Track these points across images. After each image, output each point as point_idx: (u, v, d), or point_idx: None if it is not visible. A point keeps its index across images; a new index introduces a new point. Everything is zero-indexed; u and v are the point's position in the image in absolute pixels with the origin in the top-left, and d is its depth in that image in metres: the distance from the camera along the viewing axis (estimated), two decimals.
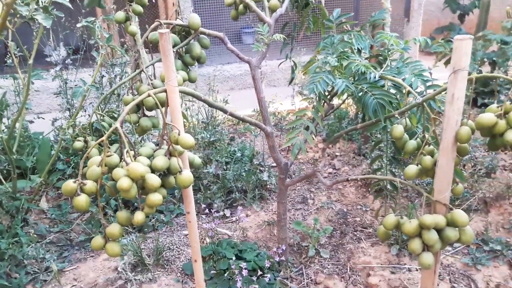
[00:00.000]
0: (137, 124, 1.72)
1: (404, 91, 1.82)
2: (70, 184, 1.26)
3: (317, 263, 2.39)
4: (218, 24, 5.60)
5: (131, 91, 1.81)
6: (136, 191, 1.29)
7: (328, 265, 2.37)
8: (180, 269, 2.33)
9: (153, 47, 1.96)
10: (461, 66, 1.43)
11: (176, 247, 2.48)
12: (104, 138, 1.29)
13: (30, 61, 2.27)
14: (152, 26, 1.72)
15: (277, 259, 2.22)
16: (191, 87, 3.67)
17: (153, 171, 1.37)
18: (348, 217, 2.79)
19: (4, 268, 2.09)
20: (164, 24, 1.76)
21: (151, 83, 1.70)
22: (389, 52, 2.13)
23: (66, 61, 3.33)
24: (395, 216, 1.65)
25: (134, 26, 1.69)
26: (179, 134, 1.38)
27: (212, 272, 2.19)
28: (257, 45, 2.02)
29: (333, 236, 2.60)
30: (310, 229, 2.48)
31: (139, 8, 1.68)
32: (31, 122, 3.15)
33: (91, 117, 1.75)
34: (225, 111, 1.81)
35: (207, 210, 2.56)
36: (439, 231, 1.56)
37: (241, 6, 2.18)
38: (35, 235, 2.42)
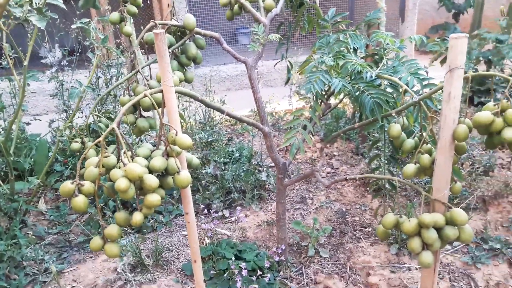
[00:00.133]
0: (134, 125, 1.72)
1: (400, 90, 1.82)
2: (67, 185, 1.26)
3: (317, 262, 2.39)
4: (214, 24, 5.60)
5: (127, 92, 1.81)
6: (134, 192, 1.29)
7: (328, 264, 2.37)
8: (180, 269, 2.33)
9: (148, 48, 1.95)
10: (457, 64, 1.43)
11: (176, 247, 2.48)
12: (101, 139, 1.28)
13: (25, 63, 2.26)
14: (147, 26, 1.72)
15: (276, 259, 2.22)
16: (188, 87, 3.67)
17: (151, 171, 1.37)
18: (347, 216, 2.79)
19: (3, 269, 2.09)
20: (159, 24, 1.76)
21: (147, 84, 1.70)
22: (385, 51, 2.13)
23: (62, 63, 3.33)
24: (394, 215, 1.66)
25: (128, 27, 1.68)
26: (176, 135, 1.38)
27: (211, 272, 2.19)
28: (253, 45, 2.02)
29: (332, 236, 2.60)
30: (309, 229, 2.48)
31: (134, 9, 1.68)
32: (28, 124, 3.14)
33: (87, 118, 1.74)
34: (222, 111, 1.81)
35: (206, 211, 2.55)
36: (439, 229, 1.57)
37: (236, 7, 2.18)
38: (34, 237, 2.42)
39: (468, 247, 2.41)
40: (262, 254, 2.31)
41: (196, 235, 1.67)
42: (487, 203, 2.72)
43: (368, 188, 3.01)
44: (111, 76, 3.05)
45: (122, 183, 1.24)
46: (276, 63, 2.73)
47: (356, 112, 2.66)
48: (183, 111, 3.25)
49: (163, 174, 1.45)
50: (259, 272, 2.15)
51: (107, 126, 1.87)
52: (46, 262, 2.29)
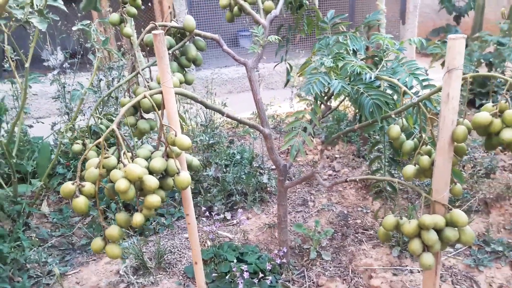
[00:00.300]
0: (135, 127, 1.73)
1: (400, 91, 1.82)
2: (68, 186, 1.27)
3: (319, 265, 2.38)
4: (215, 27, 5.62)
5: (128, 93, 1.82)
6: (134, 192, 1.30)
7: (330, 267, 2.37)
8: (182, 272, 2.33)
9: (149, 50, 1.97)
10: (455, 65, 1.44)
11: (178, 250, 2.48)
12: (101, 139, 1.29)
13: (27, 65, 2.28)
14: (147, 28, 1.73)
15: (278, 261, 2.22)
16: (190, 89, 3.68)
17: (151, 172, 1.38)
18: (349, 219, 2.79)
19: (6, 272, 2.10)
20: (159, 26, 1.77)
21: (148, 85, 1.71)
22: (384, 53, 2.13)
23: (64, 65, 3.35)
24: (394, 217, 1.66)
25: (128, 28, 1.70)
26: (176, 136, 1.39)
27: (213, 275, 2.19)
28: (252, 47, 2.03)
29: (334, 238, 2.60)
30: (311, 232, 2.48)
31: (133, 10, 1.70)
32: (31, 126, 3.16)
33: (88, 120, 1.75)
34: (222, 113, 1.82)
35: (207, 213, 2.56)
36: (439, 231, 1.56)
37: (235, 8, 2.20)
38: (37, 239, 2.43)
39: (470, 250, 2.40)
40: (264, 257, 2.31)
41: (197, 236, 1.67)
42: (489, 205, 2.71)
43: (369, 191, 3.01)
44: (112, 78, 3.07)
45: (122, 184, 1.24)
46: (276, 65, 2.74)
47: (357, 114, 2.67)
48: (184, 113, 3.26)
49: (163, 175, 1.46)
50: (261, 275, 2.15)
51: (108, 128, 1.88)
52: (50, 265, 2.30)
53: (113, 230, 1.34)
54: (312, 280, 2.26)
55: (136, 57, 1.79)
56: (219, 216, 2.62)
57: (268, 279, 2.11)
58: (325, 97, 2.17)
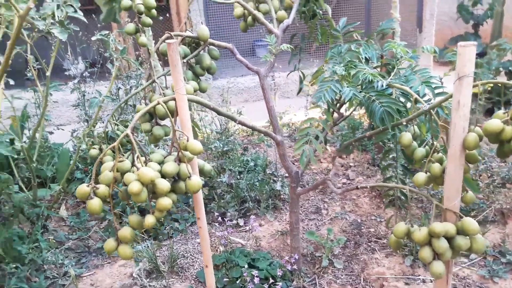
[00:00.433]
0: (150, 133, 1.78)
1: (419, 101, 1.82)
2: (83, 188, 1.32)
3: (331, 273, 2.38)
4: (231, 37, 5.69)
5: (144, 101, 1.87)
6: (147, 195, 1.34)
7: (342, 275, 2.37)
8: (194, 276, 2.36)
9: (166, 59, 2.02)
10: (465, 72, 1.44)
11: (190, 254, 2.51)
12: (115, 143, 1.34)
13: (48, 73, 2.37)
14: (163, 37, 1.78)
15: (289, 267, 2.23)
16: (206, 98, 3.73)
17: (163, 176, 1.42)
18: (362, 227, 2.78)
19: (24, 272, 2.16)
20: (175, 36, 1.82)
21: (163, 93, 1.76)
22: (397, 61, 2.14)
23: (84, 74, 3.45)
24: (405, 224, 1.66)
25: (144, 37, 1.75)
26: (188, 141, 1.42)
27: (225, 279, 2.21)
28: (265, 55, 2.06)
29: (347, 247, 2.60)
30: (324, 239, 2.48)
31: (149, 20, 1.75)
32: (51, 133, 3.25)
33: (105, 125, 1.81)
34: (234, 120, 1.86)
35: (220, 219, 2.59)
36: (450, 239, 1.56)
37: (249, 18, 2.24)
38: (54, 241, 2.50)
39: (485, 261, 2.37)
40: (275, 263, 2.32)
41: (208, 240, 1.70)
42: (506, 216, 2.67)
43: (384, 200, 2.99)
44: (130, 87, 3.15)
45: (134, 186, 1.29)
46: (289, 74, 2.77)
47: (372, 123, 2.67)
48: (200, 121, 3.32)
49: (176, 179, 1.50)
50: (272, 281, 2.16)
51: (131, 141, 1.94)
52: (66, 266, 2.36)
53: (125, 232, 1.38)
54: (323, 287, 2.26)
55: (152, 66, 1.84)
56: (231, 222, 2.64)
57: (278, 285, 2.12)
58: (337, 105, 2.18)
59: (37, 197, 2.60)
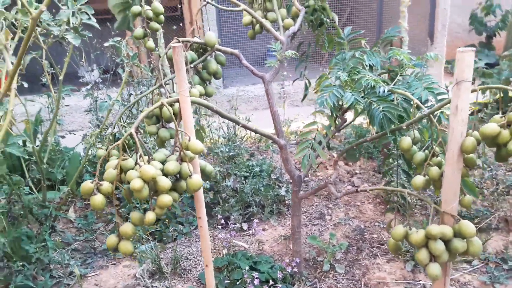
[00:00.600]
0: (156, 135, 1.83)
1: (420, 106, 1.85)
2: (87, 184, 1.37)
3: (332, 277, 2.40)
4: (245, 46, 5.78)
5: (151, 104, 1.93)
6: (148, 192, 1.38)
7: (343, 280, 2.38)
8: (197, 278, 2.39)
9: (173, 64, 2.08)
10: (463, 77, 1.47)
11: (194, 257, 2.55)
12: (119, 142, 1.40)
13: (61, 77, 2.45)
14: (171, 43, 1.84)
15: (289, 270, 2.25)
16: (217, 105, 3.79)
17: (165, 175, 1.47)
18: (365, 233, 2.79)
19: (31, 270, 2.22)
20: (183, 41, 1.89)
21: (169, 96, 1.81)
22: (401, 68, 2.17)
23: (97, 81, 3.54)
24: (403, 227, 1.68)
25: (151, 42, 1.82)
26: (189, 140, 1.47)
27: (226, 281, 2.24)
28: (270, 61, 2.12)
29: (349, 252, 2.61)
30: (326, 244, 2.50)
31: (156, 25, 1.82)
32: (63, 137, 3.34)
33: (113, 127, 1.87)
34: (237, 123, 1.90)
35: (223, 221, 2.63)
36: (447, 242, 1.58)
37: (257, 26, 2.31)
38: (61, 242, 2.55)
39: (486, 267, 2.36)
40: (277, 267, 2.34)
41: (208, 239, 1.74)
42: (510, 223, 2.66)
43: (388, 206, 3.00)
44: (141, 92, 3.22)
45: (136, 183, 1.34)
46: (294, 81, 2.82)
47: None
48: (207, 127, 3.37)
49: (177, 178, 1.54)
50: (272, 283, 2.18)
51: (130, 135, 2.00)
52: (71, 266, 2.41)
53: (127, 228, 1.43)
54: None
55: (159, 70, 1.90)
56: (235, 225, 2.68)
57: (278, 286, 2.14)
58: (340, 110, 2.22)
59: (46, 198, 2.67)
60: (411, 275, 2.35)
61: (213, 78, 2.10)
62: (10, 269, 2.19)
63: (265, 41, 2.46)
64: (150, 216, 1.41)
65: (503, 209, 2.67)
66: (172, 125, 2.09)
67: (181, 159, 1.51)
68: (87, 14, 2.22)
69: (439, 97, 1.90)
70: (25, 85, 2.29)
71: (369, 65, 2.18)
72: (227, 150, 3.15)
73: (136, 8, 1.79)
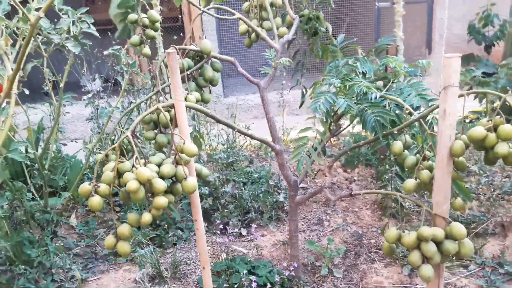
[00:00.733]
0: (154, 141, 1.88)
1: (410, 111, 1.89)
2: (85, 186, 1.42)
3: (330, 282, 2.42)
4: (244, 55, 5.85)
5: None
6: (144, 193, 1.43)
7: (341, 284, 2.40)
8: (196, 282, 2.42)
9: None
10: (450, 82, 1.51)
11: (193, 261, 2.58)
12: (116, 145, 1.44)
13: (62, 85, 2.51)
14: (168, 50, 1.90)
15: (286, 273, 2.28)
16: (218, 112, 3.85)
17: (162, 177, 1.51)
18: (363, 239, 2.82)
19: (33, 274, 2.26)
20: (179, 49, 1.94)
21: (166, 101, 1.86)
22: (394, 75, 2.22)
23: (98, 89, 3.61)
24: (396, 230, 1.71)
25: (147, 49, 1.87)
26: (184, 144, 1.52)
27: (225, 285, 2.27)
28: (264, 68, 2.17)
29: (347, 257, 2.63)
30: (324, 249, 2.53)
31: (152, 33, 1.88)
32: (64, 144, 3.40)
33: (111, 133, 1.92)
34: (233, 128, 1.95)
35: (221, 226, 2.66)
36: (438, 244, 1.60)
37: (253, 35, 2.36)
38: (63, 247, 2.59)
39: (483, 271, 2.38)
40: (275, 271, 2.37)
41: (204, 242, 1.77)
42: (506, 228, 2.68)
43: (385, 212, 3.03)
44: (141, 101, 3.27)
45: (132, 184, 1.38)
46: (291, 88, 2.87)
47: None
48: (207, 134, 3.42)
49: (174, 181, 1.59)
50: (269, 286, 2.21)
51: (129, 141, 2.05)
52: (73, 271, 2.45)
53: (124, 229, 1.47)
54: None
55: (157, 77, 1.95)
56: (234, 231, 2.71)
57: None
58: (334, 116, 2.26)
59: (48, 204, 2.71)
60: (408, 279, 2.37)
61: (213, 88, 2.16)
62: (12, 272, 2.23)
63: (264, 50, 2.53)
64: (146, 217, 1.45)
65: (499, 214, 2.69)
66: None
67: (177, 162, 1.55)
68: (87, 23, 2.28)
69: (430, 104, 1.94)
70: (27, 92, 2.35)
71: (363, 72, 2.24)
72: (225, 156, 3.19)
73: (132, 16, 1.85)
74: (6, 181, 2.50)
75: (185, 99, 1.81)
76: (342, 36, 2.32)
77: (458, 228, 1.58)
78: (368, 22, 6.58)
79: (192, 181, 1.53)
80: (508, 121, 1.62)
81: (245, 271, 2.27)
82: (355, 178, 3.65)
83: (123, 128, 2.12)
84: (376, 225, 2.96)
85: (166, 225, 2.84)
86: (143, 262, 2.45)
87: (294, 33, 2.45)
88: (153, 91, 2.00)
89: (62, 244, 2.61)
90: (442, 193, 1.63)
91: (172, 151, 1.60)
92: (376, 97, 1.95)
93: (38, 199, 2.80)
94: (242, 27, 2.37)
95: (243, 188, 3.07)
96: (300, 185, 3.50)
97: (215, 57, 2.10)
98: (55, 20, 2.48)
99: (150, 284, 2.37)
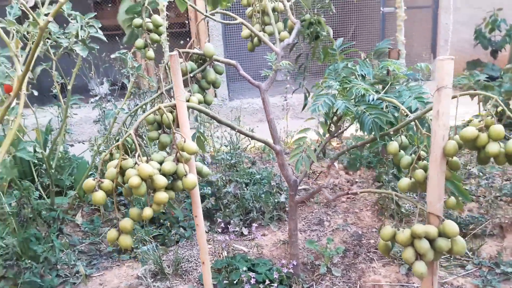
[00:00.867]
0: (157, 141, 1.94)
1: (404, 112, 1.94)
2: (90, 182, 1.49)
3: (328, 280, 2.46)
4: (250, 59, 5.93)
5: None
6: (145, 189, 1.49)
7: (339, 282, 2.44)
8: (197, 279, 2.48)
9: None
10: (443, 84, 1.56)
11: (195, 259, 2.64)
12: (119, 143, 1.51)
13: (69, 87, 2.59)
14: (171, 53, 1.97)
15: (285, 271, 2.33)
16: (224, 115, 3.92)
17: (164, 174, 1.57)
18: (363, 239, 2.86)
19: (38, 269, 2.33)
20: (183, 52, 2.01)
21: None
22: (393, 78, 2.27)
23: (106, 93, 3.69)
24: (391, 228, 1.75)
25: (151, 52, 1.95)
26: (184, 142, 1.58)
27: (225, 282, 2.33)
28: (265, 71, 2.23)
29: (346, 256, 2.68)
30: (323, 248, 2.57)
31: (156, 37, 1.95)
32: (72, 145, 3.48)
33: (116, 133, 1.99)
34: (233, 128, 2.01)
35: (223, 225, 2.72)
36: (432, 241, 1.65)
37: (255, 39, 2.43)
38: (68, 243, 2.67)
39: (480, 271, 2.41)
40: (275, 269, 2.42)
41: (204, 237, 1.83)
42: (504, 229, 2.71)
43: (385, 213, 3.07)
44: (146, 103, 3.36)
45: (134, 180, 1.44)
46: (294, 91, 2.93)
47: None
48: (210, 136, 3.49)
49: (174, 178, 1.65)
50: (268, 282, 2.26)
51: (133, 140, 2.12)
52: (77, 266, 2.52)
53: (126, 223, 1.53)
54: None
55: (160, 80, 2.02)
56: (235, 229, 2.76)
57: (273, 285, 2.21)
58: (333, 117, 2.32)
59: (54, 201, 2.79)
60: (405, 278, 2.41)
61: (219, 91, 2.23)
62: (19, 267, 2.31)
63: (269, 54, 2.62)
64: (147, 211, 1.51)
65: (498, 215, 2.72)
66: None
67: (178, 160, 1.61)
68: (95, 27, 2.36)
69: (428, 106, 1.99)
70: (35, 93, 2.43)
71: (362, 75, 2.29)
72: (228, 157, 3.25)
73: (137, 21, 1.92)
74: (15, 179, 2.59)
75: (188, 101, 1.88)
76: (340, 40, 2.37)
77: (451, 226, 1.62)
78: (373, 27, 6.64)
79: (192, 178, 1.59)
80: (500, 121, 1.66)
81: (244, 268, 2.32)
82: (357, 180, 3.70)
83: (127, 129, 2.19)
84: (376, 226, 3.00)
85: (169, 224, 2.91)
86: (146, 259, 2.51)
87: (296, 37, 2.52)
88: (156, 92, 2.08)
89: (67, 241, 2.68)
90: (436, 192, 1.67)
91: (174, 149, 1.66)
92: (373, 99, 2.00)
93: (45, 197, 2.88)
94: (245, 32, 2.44)
95: (245, 188, 3.13)
96: (302, 187, 3.57)
97: (218, 60, 2.17)
98: (64, 25, 2.57)
99: (152, 280, 2.43)
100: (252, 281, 2.17)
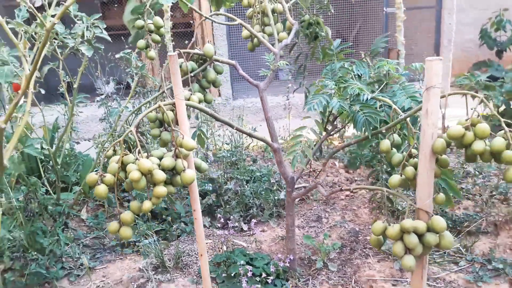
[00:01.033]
0: (159, 138, 2.02)
1: (398, 111, 2.00)
2: (92, 176, 1.57)
3: (324, 275, 2.53)
4: (253, 59, 6.01)
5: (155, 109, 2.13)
6: (145, 183, 1.57)
7: (335, 277, 2.51)
8: (197, 272, 2.56)
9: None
10: (432, 83, 1.62)
11: (195, 253, 2.72)
12: (120, 139, 1.59)
13: (75, 85, 2.68)
14: (170, 53, 2.04)
15: (281, 264, 2.40)
16: (226, 115, 4.00)
17: (163, 170, 1.65)
18: (360, 235, 2.92)
19: (44, 261, 2.43)
20: (184, 52, 2.09)
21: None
22: (388, 78, 2.33)
23: (111, 91, 3.79)
24: (382, 223, 1.82)
25: (153, 52, 2.03)
26: (183, 138, 1.66)
27: (223, 275, 2.41)
28: (264, 71, 2.30)
29: (342, 252, 2.74)
30: (320, 244, 2.64)
31: (157, 38, 2.03)
32: (78, 143, 3.57)
33: (119, 130, 2.07)
34: (232, 126, 2.08)
35: (222, 220, 2.79)
36: (421, 236, 1.71)
37: (255, 39, 2.50)
38: (73, 237, 2.76)
39: (472, 267, 2.47)
40: (272, 263, 2.49)
41: (202, 230, 1.91)
42: (498, 227, 2.76)
43: (382, 211, 3.13)
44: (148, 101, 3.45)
45: (135, 174, 1.52)
46: (294, 90, 3.00)
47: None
48: (212, 135, 3.57)
49: (174, 173, 1.72)
50: (264, 275, 2.33)
51: (133, 136, 2.20)
52: (81, 259, 2.61)
53: (126, 215, 1.61)
54: (316, 287, 2.41)
55: (162, 78, 2.10)
56: (234, 225, 2.84)
57: (269, 278, 2.29)
58: (331, 117, 2.39)
59: (60, 196, 2.88)
60: (399, 273, 2.47)
61: (223, 91, 2.31)
62: (25, 259, 2.40)
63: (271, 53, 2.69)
64: (147, 204, 1.59)
65: (493, 213, 2.77)
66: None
67: (176, 156, 1.69)
68: (100, 28, 2.45)
69: (420, 105, 2.05)
70: (42, 91, 2.52)
71: (358, 75, 2.35)
72: (229, 155, 3.33)
73: (139, 22, 2.00)
74: (22, 175, 2.68)
75: (189, 99, 1.96)
76: (338, 40, 2.44)
77: (439, 221, 1.68)
78: (376, 27, 6.69)
79: (190, 173, 1.66)
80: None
81: (242, 262, 2.39)
82: (356, 178, 3.76)
83: (130, 126, 2.27)
84: (372, 222, 3.05)
85: (171, 219, 2.99)
86: (148, 252, 2.59)
87: (295, 38, 2.58)
88: (158, 90, 2.15)
89: (72, 235, 2.77)
90: (425, 189, 1.73)
91: (173, 145, 1.74)
92: (367, 98, 2.07)
93: (52, 193, 2.97)
94: (245, 32, 2.51)
95: (245, 185, 3.20)
96: (302, 185, 3.63)
97: (217, 60, 2.24)
98: (71, 25, 2.66)
99: (154, 272, 2.51)
100: (249, 274, 2.25)
